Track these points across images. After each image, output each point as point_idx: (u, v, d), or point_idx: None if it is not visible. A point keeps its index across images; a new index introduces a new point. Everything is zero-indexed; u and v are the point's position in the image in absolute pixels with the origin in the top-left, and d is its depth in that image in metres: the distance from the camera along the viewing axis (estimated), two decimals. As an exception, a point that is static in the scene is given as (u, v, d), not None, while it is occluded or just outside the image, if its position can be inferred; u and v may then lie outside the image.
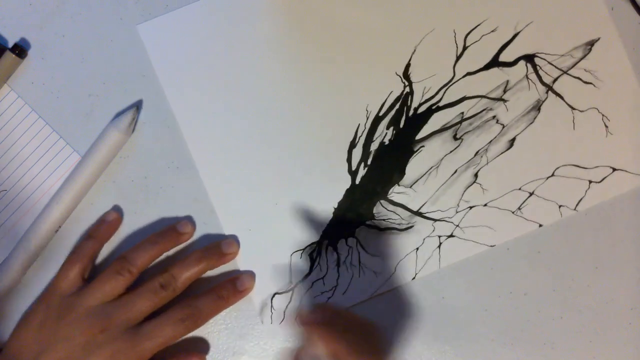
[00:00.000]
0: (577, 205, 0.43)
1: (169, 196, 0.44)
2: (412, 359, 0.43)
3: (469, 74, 0.44)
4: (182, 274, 0.41)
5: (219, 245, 0.42)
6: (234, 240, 0.43)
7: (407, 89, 0.44)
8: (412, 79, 0.44)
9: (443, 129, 0.44)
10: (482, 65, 0.44)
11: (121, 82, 0.44)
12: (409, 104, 0.44)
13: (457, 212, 0.43)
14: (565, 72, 0.44)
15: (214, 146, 0.44)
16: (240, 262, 0.43)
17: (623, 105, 0.44)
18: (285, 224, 0.43)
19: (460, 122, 0.44)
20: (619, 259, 0.43)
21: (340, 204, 0.44)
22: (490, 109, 0.44)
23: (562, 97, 0.44)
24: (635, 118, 0.44)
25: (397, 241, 0.43)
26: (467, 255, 0.43)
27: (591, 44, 0.44)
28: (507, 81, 0.44)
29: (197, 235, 0.43)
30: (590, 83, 0.44)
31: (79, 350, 0.39)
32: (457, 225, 0.43)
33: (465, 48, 0.44)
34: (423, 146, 0.44)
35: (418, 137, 0.44)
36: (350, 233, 0.43)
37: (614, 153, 0.44)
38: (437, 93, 0.44)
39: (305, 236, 0.43)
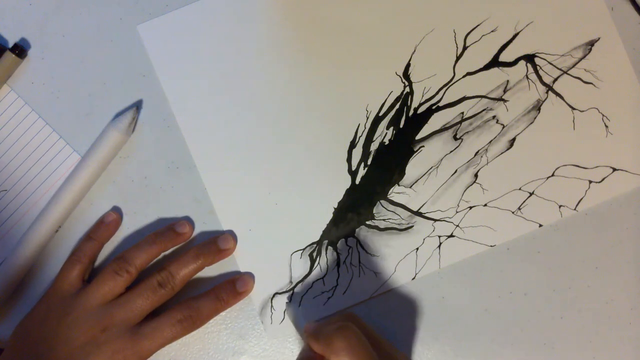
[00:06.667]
0: (577, 205, 0.43)
1: (169, 196, 0.44)
2: (412, 359, 0.43)
3: (469, 74, 0.44)
4: (179, 272, 0.41)
5: (215, 242, 0.42)
6: (230, 235, 0.43)
7: (407, 89, 0.44)
8: (412, 79, 0.44)
9: (443, 129, 0.44)
10: (482, 65, 0.44)
11: (121, 82, 0.44)
12: (409, 104, 0.44)
13: (457, 212, 0.43)
14: (565, 72, 0.44)
15: (214, 146, 0.44)
16: (241, 262, 0.43)
17: (623, 105, 0.44)
18: (285, 224, 0.43)
19: (460, 122, 0.44)
20: (619, 259, 0.43)
21: (340, 204, 0.44)
22: (490, 109, 0.44)
23: (562, 97, 0.44)
24: (635, 118, 0.44)
25: (397, 241, 0.43)
26: (467, 255, 0.43)
27: (591, 44, 0.44)
28: (507, 81, 0.44)
29: (196, 235, 0.43)
30: (590, 83, 0.44)
31: (79, 350, 0.39)
32: (457, 225, 0.43)
33: (465, 48, 0.44)
34: (423, 146, 0.44)
35: (418, 137, 0.44)
36: (350, 233, 0.43)
37: (614, 153, 0.44)
38: (437, 93, 0.44)
39: (305, 236, 0.43)
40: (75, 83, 0.44)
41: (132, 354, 0.39)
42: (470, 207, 0.43)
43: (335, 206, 0.44)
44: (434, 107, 0.44)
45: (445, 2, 0.44)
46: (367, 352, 0.33)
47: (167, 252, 0.43)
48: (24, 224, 0.43)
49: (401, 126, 0.44)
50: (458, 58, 0.44)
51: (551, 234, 0.43)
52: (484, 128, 0.44)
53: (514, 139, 0.44)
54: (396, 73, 0.44)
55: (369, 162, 0.44)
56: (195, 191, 0.44)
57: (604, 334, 0.43)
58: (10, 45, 0.44)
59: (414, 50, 0.44)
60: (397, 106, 0.44)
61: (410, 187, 0.44)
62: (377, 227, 0.43)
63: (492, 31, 0.44)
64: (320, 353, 0.35)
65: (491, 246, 0.43)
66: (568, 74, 0.44)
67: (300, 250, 0.43)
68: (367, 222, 0.43)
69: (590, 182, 0.43)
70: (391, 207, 0.44)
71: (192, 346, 0.43)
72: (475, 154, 0.44)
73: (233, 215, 0.43)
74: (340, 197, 0.44)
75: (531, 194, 0.43)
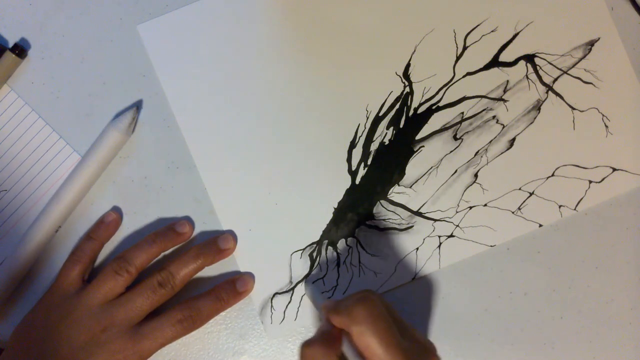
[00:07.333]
0: (577, 205, 0.43)
1: (169, 196, 0.44)
2: (412, 359, 0.43)
3: (469, 74, 0.44)
4: (179, 271, 0.41)
5: (215, 242, 0.42)
6: (230, 235, 0.43)
7: (407, 89, 0.44)
8: (412, 79, 0.44)
9: (443, 129, 0.44)
10: (482, 65, 0.44)
11: (121, 82, 0.44)
12: (409, 104, 0.44)
13: (457, 212, 0.43)
14: (565, 72, 0.44)
15: (214, 146, 0.44)
16: (241, 262, 0.43)
17: (623, 105, 0.44)
18: (285, 224, 0.43)
19: (460, 122, 0.44)
20: (619, 259, 0.43)
21: (340, 204, 0.44)
22: (490, 109, 0.44)
23: (562, 97, 0.44)
24: (635, 118, 0.44)
25: (397, 241, 0.43)
26: (467, 255, 0.43)
27: (591, 44, 0.44)
28: (507, 81, 0.44)
29: (196, 235, 0.43)
30: (590, 83, 0.44)
31: (80, 350, 0.39)
32: (457, 225, 0.43)
33: (465, 48, 0.44)
34: (423, 146, 0.44)
35: (418, 137, 0.44)
36: (350, 233, 0.43)
37: (614, 153, 0.44)
38: (437, 93, 0.44)
39: (305, 236, 0.43)
40: (75, 83, 0.44)
41: (132, 353, 0.39)
42: (470, 207, 0.43)
43: (335, 206, 0.44)
44: (434, 107, 0.44)
45: (445, 2, 0.44)
46: (387, 322, 0.33)
47: (167, 252, 0.43)
48: (24, 224, 0.43)
49: (401, 126, 0.44)
50: (458, 58, 0.44)
51: (551, 234, 0.43)
52: (484, 128, 0.44)
53: (514, 139, 0.44)
54: (396, 73, 0.44)
55: (369, 162, 0.44)
56: (195, 191, 0.44)
57: (604, 334, 0.43)
58: (10, 45, 0.44)
59: (414, 50, 0.44)
60: (397, 106, 0.44)
61: (410, 187, 0.44)
62: (377, 227, 0.43)
63: (492, 31, 0.44)
64: (340, 326, 0.35)
65: (491, 246, 0.43)
66: (568, 74, 0.44)
67: (300, 250, 0.43)
68: (367, 222, 0.43)
69: (590, 182, 0.43)
70: (391, 207, 0.44)
71: (192, 346, 0.43)
72: (475, 154, 0.44)
73: (233, 215, 0.43)
74: (340, 197, 0.44)
75: (531, 194, 0.43)
